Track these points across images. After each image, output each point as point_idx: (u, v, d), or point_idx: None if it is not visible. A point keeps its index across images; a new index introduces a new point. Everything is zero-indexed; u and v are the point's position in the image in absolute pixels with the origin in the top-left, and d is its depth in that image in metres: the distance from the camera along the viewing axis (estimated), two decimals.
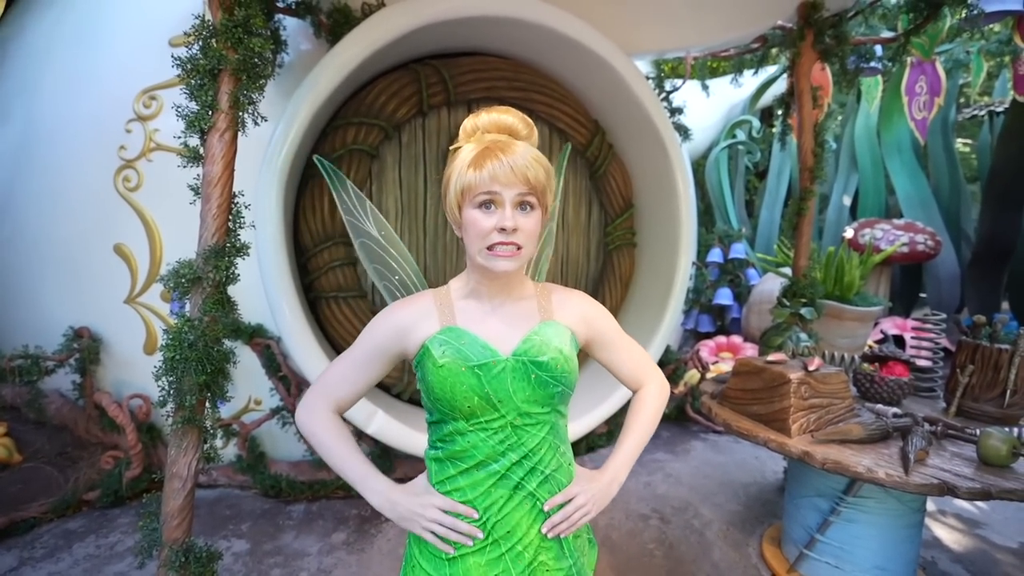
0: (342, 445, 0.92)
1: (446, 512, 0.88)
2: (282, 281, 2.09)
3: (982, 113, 5.82)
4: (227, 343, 2.47)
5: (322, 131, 2.53)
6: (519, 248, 0.85)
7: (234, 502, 2.53)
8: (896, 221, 4.71)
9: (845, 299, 3.58)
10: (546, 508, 0.90)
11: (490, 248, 0.84)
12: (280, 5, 2.10)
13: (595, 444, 3.13)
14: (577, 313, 0.97)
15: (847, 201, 5.74)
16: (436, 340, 0.88)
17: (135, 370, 2.57)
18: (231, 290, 2.47)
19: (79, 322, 2.56)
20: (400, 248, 1.10)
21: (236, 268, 1.37)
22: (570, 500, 0.92)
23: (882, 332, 1.96)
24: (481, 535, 0.87)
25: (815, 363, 1.76)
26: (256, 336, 2.47)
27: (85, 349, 2.51)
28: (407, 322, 0.91)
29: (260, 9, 1.27)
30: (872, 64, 2.69)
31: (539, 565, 0.89)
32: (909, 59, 3.93)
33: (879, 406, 1.91)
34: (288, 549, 2.19)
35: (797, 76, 2.38)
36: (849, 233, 4.81)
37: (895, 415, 1.78)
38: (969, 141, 7.58)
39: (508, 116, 0.88)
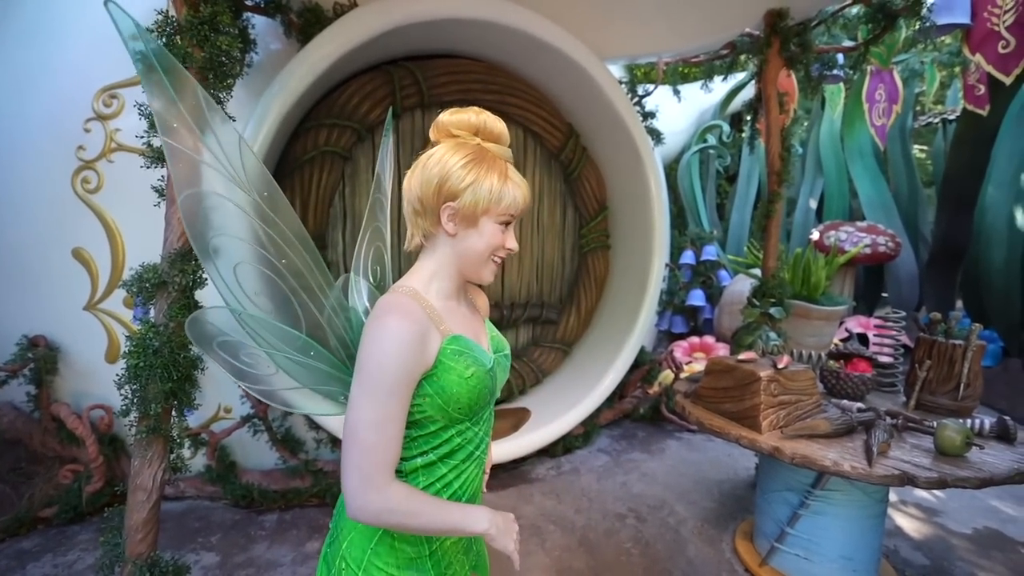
0: (432, 501, 0.84)
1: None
2: None
3: (936, 121, 6.10)
4: (195, 349, 2.42)
5: (293, 132, 2.48)
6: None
7: (203, 514, 2.45)
8: (859, 224, 4.88)
9: (812, 299, 3.68)
10: (487, 468, 1.04)
11: (494, 260, 0.90)
12: (248, 3, 2.06)
13: (572, 445, 3.15)
14: (485, 308, 1.06)
15: (813, 204, 5.93)
16: (450, 352, 0.84)
17: (96, 380, 2.47)
18: (201, 293, 2.43)
19: (35, 330, 2.45)
20: (292, 220, 0.85)
21: (202, 272, 1.32)
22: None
23: (847, 330, 2.03)
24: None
25: (784, 361, 1.81)
26: None
27: (41, 359, 2.40)
28: (422, 333, 0.80)
29: (227, 6, 1.24)
30: (835, 72, 2.79)
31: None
32: (869, 68, 4.10)
33: (844, 401, 1.97)
34: (260, 560, 2.13)
35: (764, 82, 2.45)
36: (815, 235, 4.97)
37: (859, 410, 1.85)
38: (925, 147, 7.93)
39: (500, 124, 0.89)
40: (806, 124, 6.43)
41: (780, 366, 1.78)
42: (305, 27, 2.13)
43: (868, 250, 4.66)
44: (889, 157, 5.70)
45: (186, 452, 2.53)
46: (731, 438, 1.73)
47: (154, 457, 1.25)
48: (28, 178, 2.37)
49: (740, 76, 5.17)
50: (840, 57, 2.81)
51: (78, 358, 2.48)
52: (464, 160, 0.84)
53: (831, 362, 2.15)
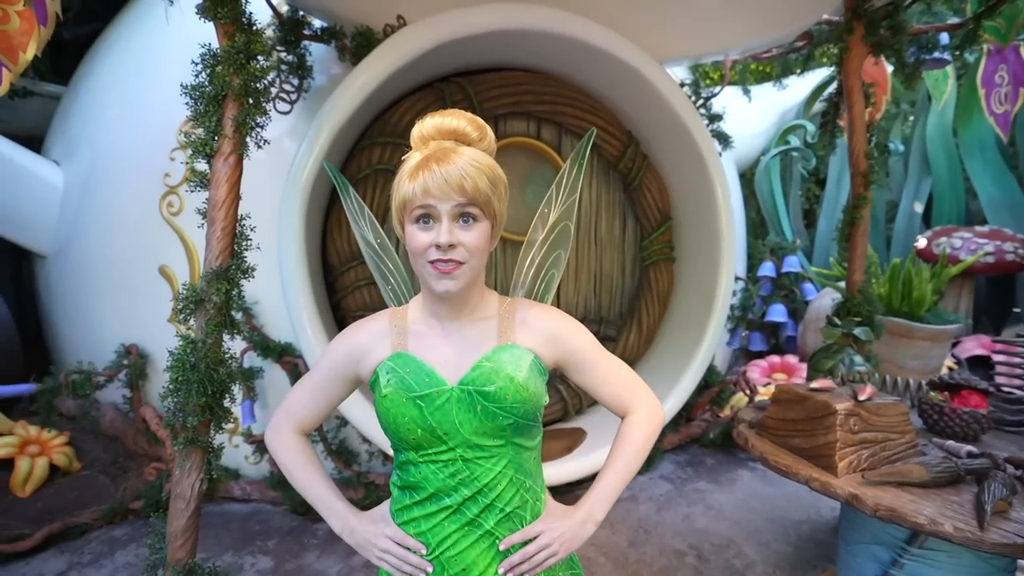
0: (306, 468, 0.92)
1: (398, 544, 0.85)
2: (303, 300, 2.11)
3: None
4: (258, 361, 2.55)
5: (349, 151, 2.58)
6: (460, 264, 0.78)
7: (264, 518, 2.57)
8: (979, 228, 4.24)
9: (915, 316, 3.23)
10: (502, 547, 0.84)
11: (431, 263, 0.79)
12: (306, 32, 2.17)
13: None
14: (543, 332, 0.88)
15: (919, 208, 5.24)
16: (385, 367, 0.85)
17: None
18: (260, 309, 2.57)
19: (129, 339, 2.72)
20: (393, 257, 1.09)
21: (241, 290, 1.37)
22: (533, 539, 0.85)
23: (953, 355, 1.72)
24: (431, 568, 0.83)
25: (867, 391, 1.55)
26: (285, 354, 2.52)
27: (133, 365, 2.66)
28: (361, 346, 0.88)
29: (260, 36, 1.28)
30: (936, 55, 2.41)
31: None
32: (986, 47, 3.54)
33: (950, 443, 1.66)
34: (309, 569, 2.18)
35: (846, 73, 2.18)
36: (922, 243, 4.37)
37: (969, 455, 1.54)
38: None
39: (453, 119, 0.81)
40: (910, 119, 5.72)
41: (862, 397, 1.53)
42: (357, 50, 2.21)
43: (991, 258, 4.02)
44: (1019, 149, 4.90)
45: (251, 458, 2.69)
46: (800, 479, 1.50)
47: (192, 468, 1.31)
48: (125, 202, 2.66)
49: (826, 71, 4.71)
50: (944, 37, 2.43)
51: (163, 365, 2.72)
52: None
53: (933, 393, 1.83)
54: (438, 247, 0.77)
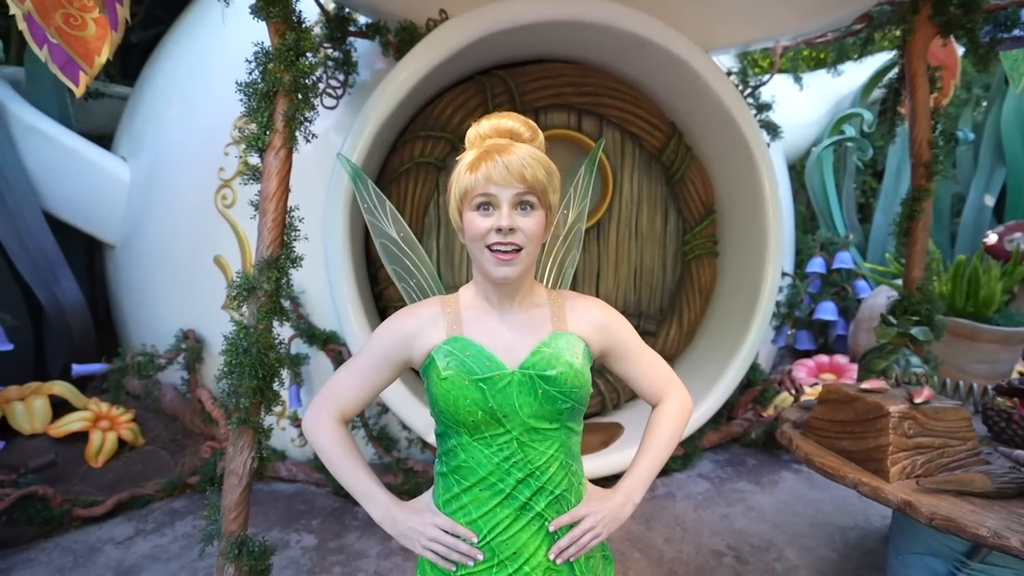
0: (347, 456, 0.92)
1: (447, 532, 0.86)
2: (347, 289, 2.18)
3: None
4: (304, 348, 2.66)
5: (392, 145, 2.63)
6: (519, 250, 0.82)
7: (309, 498, 2.68)
8: None
9: (982, 316, 3.03)
10: (552, 528, 0.87)
11: (490, 248, 0.82)
12: (352, 29, 2.22)
13: (669, 467, 2.91)
14: (592, 322, 0.93)
15: (990, 201, 4.88)
16: (441, 350, 0.87)
17: None
18: (307, 298, 2.68)
19: (187, 325, 2.89)
20: (418, 251, 1.10)
21: (290, 278, 1.43)
22: (578, 522, 0.88)
23: None
24: (481, 556, 0.85)
25: (924, 394, 1.47)
26: (330, 342, 2.62)
27: (191, 349, 2.82)
28: (413, 330, 0.90)
29: (309, 33, 1.33)
30: (1016, 33, 2.21)
31: None
32: None
33: (1018, 452, 1.55)
34: (351, 549, 2.27)
35: (910, 56, 2.05)
36: (992, 238, 4.07)
37: None
38: None
39: (508, 120, 0.86)
40: (983, 104, 5.32)
41: (918, 400, 1.45)
42: (401, 45, 2.24)
43: None
44: None
45: (297, 440, 2.81)
46: (848, 483, 1.44)
47: (244, 446, 1.38)
48: (185, 195, 2.81)
49: (886, 56, 4.44)
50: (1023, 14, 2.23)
51: (218, 350, 2.87)
52: (452, 174, 0.87)
53: (1000, 399, 1.71)
54: (499, 230, 0.81)
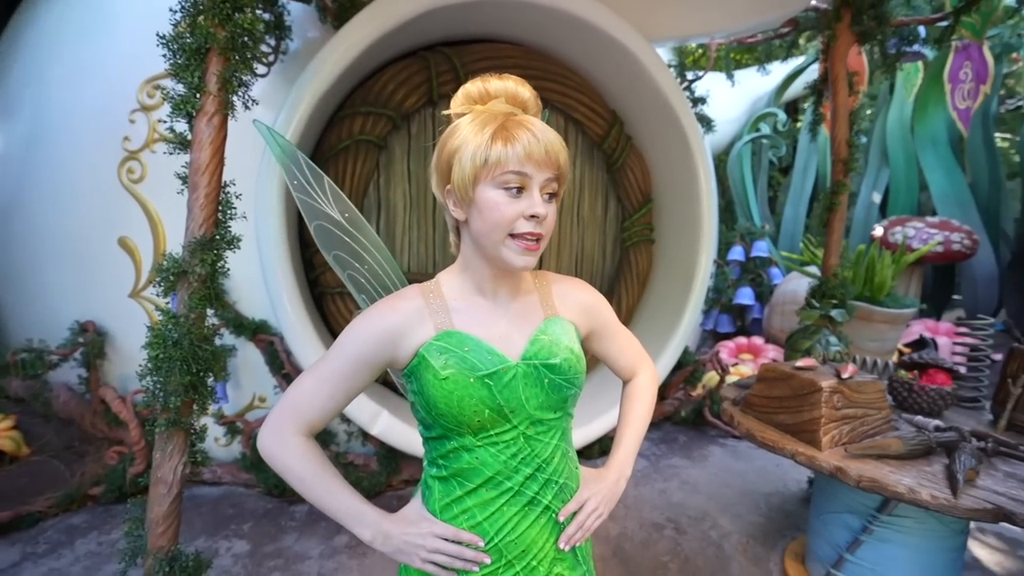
0: (322, 475, 0.79)
1: (450, 541, 0.80)
2: (283, 275, 2.01)
3: None
4: (231, 339, 2.44)
5: (328, 120, 2.45)
6: (539, 240, 0.76)
7: (238, 501, 2.48)
8: (930, 219, 4.49)
9: (875, 300, 3.40)
10: (561, 518, 0.84)
11: (514, 236, 0.74)
12: None
13: (608, 447, 3.01)
14: (579, 304, 0.90)
15: (876, 198, 5.50)
16: (434, 348, 0.78)
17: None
18: (233, 284, 2.44)
19: (85, 316, 2.53)
20: (368, 233, 0.98)
21: (225, 262, 1.28)
22: (581, 506, 0.86)
23: (921, 336, 1.81)
24: (488, 560, 0.80)
25: (849, 370, 1.62)
26: (260, 332, 2.41)
27: (90, 343, 2.48)
28: (398, 327, 0.79)
29: None
30: (915, 48, 2.49)
31: None
32: (954, 43, 3.69)
33: (919, 418, 1.76)
34: (289, 552, 2.13)
35: (832, 60, 2.22)
36: (879, 231, 4.60)
37: (937, 428, 1.63)
38: (1008, 135, 7.21)
39: (523, 88, 0.77)
40: (870, 111, 5.95)
41: (844, 376, 1.59)
42: (340, 12, 2.08)
43: (940, 248, 4.28)
44: (968, 145, 5.19)
45: (222, 439, 2.58)
46: (786, 453, 1.56)
47: (175, 450, 1.23)
48: (78, 168, 2.44)
49: (797, 61, 4.82)
50: (922, 30, 2.51)
51: (124, 343, 2.56)
52: (451, 131, 0.77)
53: (902, 372, 1.93)
54: (533, 217, 0.73)
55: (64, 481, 2.48)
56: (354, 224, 0.97)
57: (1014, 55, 4.42)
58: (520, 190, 0.73)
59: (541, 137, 0.72)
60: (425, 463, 0.87)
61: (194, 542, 2.16)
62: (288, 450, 0.78)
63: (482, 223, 0.75)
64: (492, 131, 0.73)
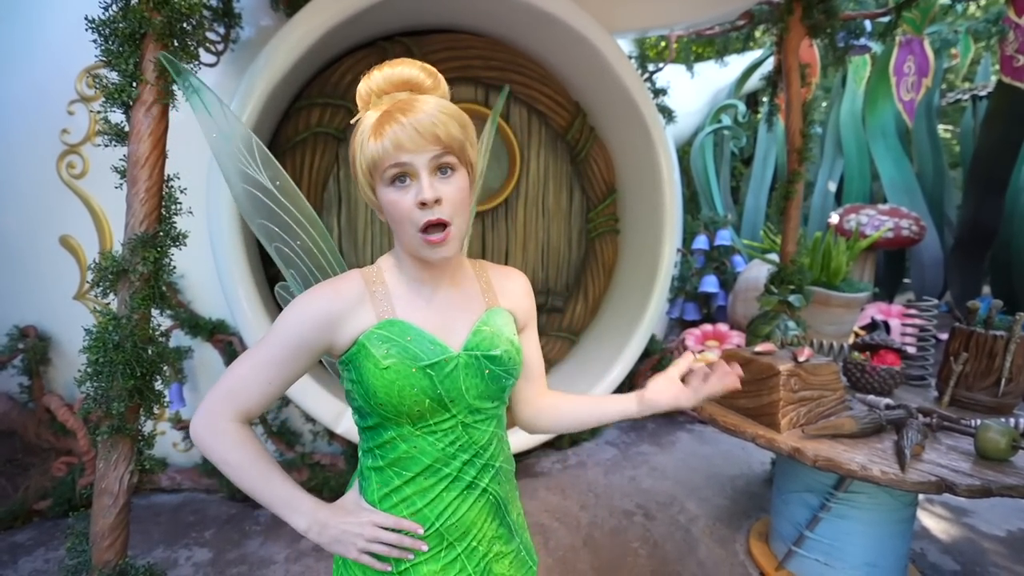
0: (257, 462, 0.77)
1: (389, 529, 0.79)
2: (238, 271, 1.94)
3: (966, 98, 5.79)
4: (186, 340, 2.34)
5: (284, 112, 2.37)
6: (446, 227, 0.73)
7: (199, 507, 2.39)
8: (881, 207, 4.67)
9: (832, 285, 3.52)
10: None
11: (424, 231, 0.72)
12: None
13: (579, 437, 3.04)
14: (517, 295, 0.90)
15: (832, 187, 5.70)
16: (375, 336, 0.76)
17: None
18: (188, 284, 2.34)
19: (25, 320, 2.39)
20: (302, 204, 0.92)
21: (171, 259, 1.22)
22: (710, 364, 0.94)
23: (873, 319, 1.90)
24: (426, 548, 0.79)
25: (805, 353, 1.67)
26: (217, 332, 2.32)
27: (31, 349, 2.34)
28: (337, 312, 0.76)
29: None
30: (862, 42, 2.59)
31: (494, 555, 0.85)
32: (897, 38, 3.85)
33: (871, 397, 1.83)
34: (253, 557, 2.07)
35: (785, 53, 2.27)
36: (835, 219, 4.77)
37: (888, 407, 1.71)
38: (951, 127, 7.59)
39: (404, 67, 0.74)
40: (825, 104, 6.15)
41: (801, 359, 1.64)
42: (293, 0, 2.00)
43: (891, 234, 4.46)
44: (914, 136, 5.43)
45: (180, 445, 2.48)
46: (747, 437, 1.60)
47: (120, 459, 1.17)
48: (13, 163, 2.29)
49: (756, 54, 4.93)
50: (868, 25, 2.61)
51: (69, 348, 2.42)
52: (351, 141, 0.76)
53: (855, 354, 2.01)
54: (423, 204, 0.71)
55: (7, 496, 2.34)
56: (286, 194, 0.90)
57: (952, 51, 4.65)
58: (405, 178, 0.72)
59: (409, 119, 0.69)
60: (360, 453, 0.85)
61: (151, 553, 2.07)
62: (221, 436, 0.76)
63: (391, 223, 0.76)
64: (368, 130, 0.71)
